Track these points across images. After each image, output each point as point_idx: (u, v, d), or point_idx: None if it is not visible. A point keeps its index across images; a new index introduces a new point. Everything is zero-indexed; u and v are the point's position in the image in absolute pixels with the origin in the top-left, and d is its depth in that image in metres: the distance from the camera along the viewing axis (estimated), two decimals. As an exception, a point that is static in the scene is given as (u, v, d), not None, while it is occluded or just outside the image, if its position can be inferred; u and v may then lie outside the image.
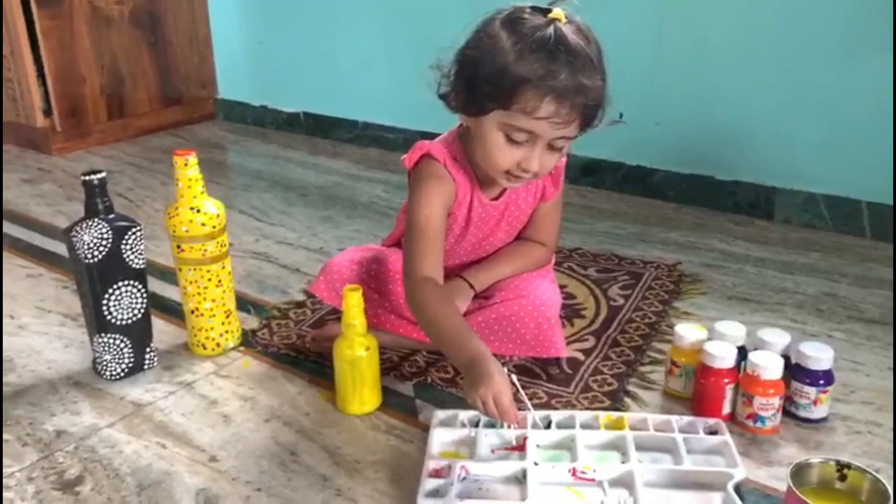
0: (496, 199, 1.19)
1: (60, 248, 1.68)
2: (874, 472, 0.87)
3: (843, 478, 0.88)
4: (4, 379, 1.22)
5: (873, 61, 1.63)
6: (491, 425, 1.06)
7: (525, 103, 0.99)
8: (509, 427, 1.03)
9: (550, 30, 0.99)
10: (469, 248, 1.25)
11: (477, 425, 1.06)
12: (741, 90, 1.81)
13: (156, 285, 1.48)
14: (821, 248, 1.68)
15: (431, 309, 1.07)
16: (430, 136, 1.19)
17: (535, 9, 1.02)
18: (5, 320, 1.41)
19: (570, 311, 1.39)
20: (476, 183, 1.16)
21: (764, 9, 1.74)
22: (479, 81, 1.01)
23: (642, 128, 1.95)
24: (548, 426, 1.06)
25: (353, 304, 1.08)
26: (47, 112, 2.45)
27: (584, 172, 2.07)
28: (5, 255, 1.70)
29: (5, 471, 1.01)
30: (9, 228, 1.86)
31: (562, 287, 1.47)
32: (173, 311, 1.41)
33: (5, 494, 0.97)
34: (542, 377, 1.19)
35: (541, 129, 1.01)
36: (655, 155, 1.97)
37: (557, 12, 1.01)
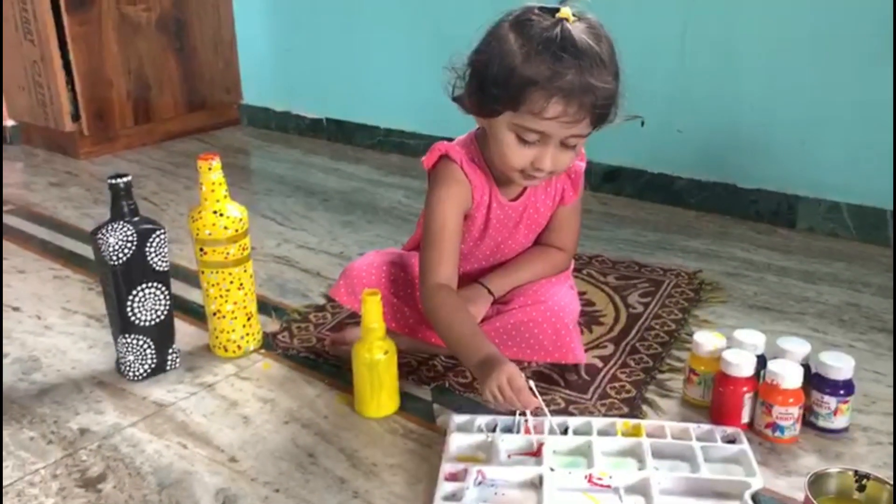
0: (515, 199, 1.20)
1: (87, 251, 1.71)
2: (893, 483, 0.86)
3: (861, 488, 0.88)
4: (31, 377, 1.25)
5: (899, 69, 1.61)
6: (508, 430, 1.07)
7: (533, 105, 1.00)
8: (527, 413, 1.04)
9: (557, 30, 0.99)
10: (488, 251, 1.26)
11: (494, 430, 1.06)
12: (764, 98, 1.80)
13: (179, 288, 1.50)
14: (844, 257, 1.67)
15: (445, 315, 1.10)
16: (451, 141, 1.20)
17: (543, 9, 1.03)
18: (32, 320, 1.43)
19: (589, 318, 1.39)
20: (494, 184, 1.17)
21: (788, 16, 1.73)
22: (489, 84, 1.03)
23: (664, 135, 1.95)
24: (565, 432, 1.06)
25: (372, 308, 1.09)
26: (75, 117, 2.49)
27: (606, 179, 2.07)
28: (34, 256, 1.74)
29: (31, 468, 1.03)
30: (37, 231, 1.89)
31: (581, 294, 1.47)
32: (196, 314, 1.43)
33: (30, 491, 0.99)
34: (560, 384, 1.19)
35: (550, 129, 1.02)
36: (677, 162, 1.97)
37: (565, 11, 1.01)
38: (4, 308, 1.47)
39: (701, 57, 1.86)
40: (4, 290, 1.55)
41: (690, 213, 1.93)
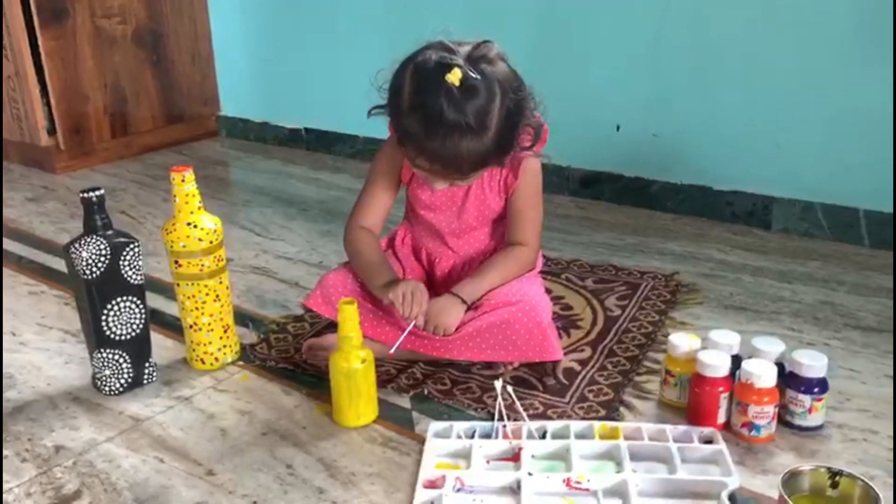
0: None
1: (62, 265, 1.68)
2: (865, 479, 0.87)
3: (835, 485, 0.88)
4: (5, 395, 1.23)
5: (872, 71, 1.63)
6: (486, 436, 1.07)
7: (408, 150, 1.13)
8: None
9: (437, 97, 1.04)
10: (445, 226, 1.29)
11: (472, 436, 1.07)
12: (739, 101, 1.82)
13: (157, 301, 1.50)
14: (819, 256, 1.68)
15: (359, 246, 1.27)
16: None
17: (441, 63, 1.06)
18: (7, 337, 1.42)
19: (567, 322, 1.40)
20: None
21: (761, 20, 1.74)
22: (389, 112, 1.15)
23: (640, 139, 1.96)
24: (543, 436, 1.06)
25: (349, 317, 1.09)
26: (51, 131, 2.47)
27: (583, 184, 2.08)
28: (9, 272, 1.72)
29: (4, 486, 1.02)
30: (12, 246, 1.87)
31: (559, 298, 1.48)
32: (173, 327, 1.42)
33: (4, 509, 0.98)
34: (538, 388, 1.20)
35: (426, 171, 1.14)
36: (653, 166, 1.98)
37: (453, 75, 1.04)
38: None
39: (675, 61, 1.88)
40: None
41: (667, 216, 1.95)
